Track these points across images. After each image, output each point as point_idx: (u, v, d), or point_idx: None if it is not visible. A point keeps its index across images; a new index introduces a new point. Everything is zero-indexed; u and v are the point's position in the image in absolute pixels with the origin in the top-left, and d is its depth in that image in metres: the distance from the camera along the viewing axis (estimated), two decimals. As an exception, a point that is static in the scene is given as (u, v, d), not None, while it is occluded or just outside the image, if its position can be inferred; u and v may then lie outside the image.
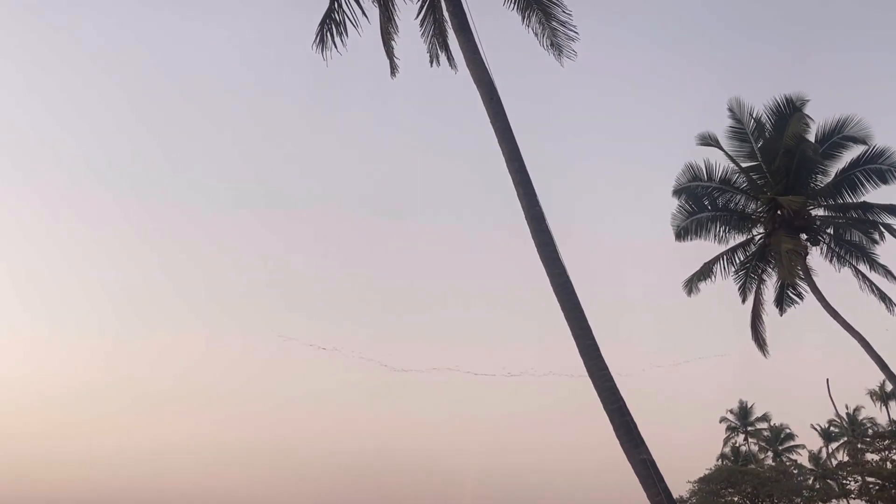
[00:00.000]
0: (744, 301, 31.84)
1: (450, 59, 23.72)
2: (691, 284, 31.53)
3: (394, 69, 23.90)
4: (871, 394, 64.03)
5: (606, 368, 16.15)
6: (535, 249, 17.83)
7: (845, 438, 67.33)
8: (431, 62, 23.97)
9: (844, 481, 49.95)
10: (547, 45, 21.57)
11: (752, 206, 30.80)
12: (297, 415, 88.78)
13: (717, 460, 68.23)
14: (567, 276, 17.25)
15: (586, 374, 16.33)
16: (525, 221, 18.23)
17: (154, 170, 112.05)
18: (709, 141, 30.19)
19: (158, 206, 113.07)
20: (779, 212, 29.45)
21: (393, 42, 23.59)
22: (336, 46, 22.66)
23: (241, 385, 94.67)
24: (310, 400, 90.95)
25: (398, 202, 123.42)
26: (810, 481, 56.67)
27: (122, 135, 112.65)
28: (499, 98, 19.40)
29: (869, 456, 50.42)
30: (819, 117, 29.53)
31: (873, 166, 29.18)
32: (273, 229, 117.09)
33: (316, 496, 74.71)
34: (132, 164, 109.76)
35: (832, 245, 30.53)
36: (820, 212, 30.45)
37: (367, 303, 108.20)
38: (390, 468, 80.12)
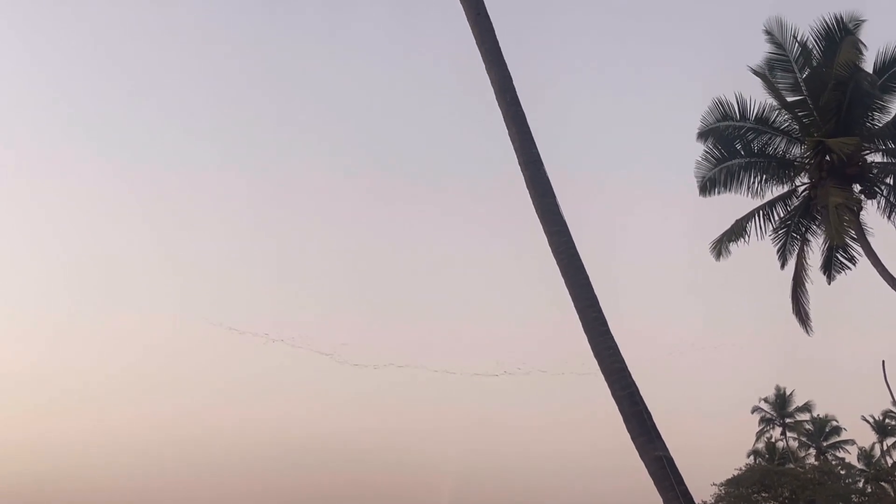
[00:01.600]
0: (783, 266, 31.96)
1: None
2: (720, 246, 31.55)
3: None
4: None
5: (615, 347, 16.22)
6: (531, 202, 17.82)
7: (903, 432, 68.40)
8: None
9: (901, 484, 50.65)
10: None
11: (795, 150, 30.77)
12: (241, 410, 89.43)
13: (749, 458, 68.95)
14: (569, 235, 17.27)
15: (582, 372, 16.42)
16: (518, 168, 18.19)
17: (117, 123, 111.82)
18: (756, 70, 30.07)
19: (122, 165, 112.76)
20: (827, 157, 29.39)
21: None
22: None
23: (175, 375, 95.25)
24: (256, 394, 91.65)
25: (356, 153, 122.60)
26: (860, 484, 57.43)
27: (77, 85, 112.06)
28: (486, 13, 19.29)
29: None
30: (877, 43, 29.45)
31: (944, 103, 29.22)
32: (229, 195, 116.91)
33: (258, 493, 76.29)
34: (90, 116, 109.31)
35: (891, 198, 30.62)
36: (877, 157, 30.44)
37: (320, 284, 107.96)
38: (341, 468, 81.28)
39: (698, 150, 31.38)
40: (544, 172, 17.93)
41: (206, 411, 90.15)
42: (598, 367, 16.26)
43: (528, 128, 18.33)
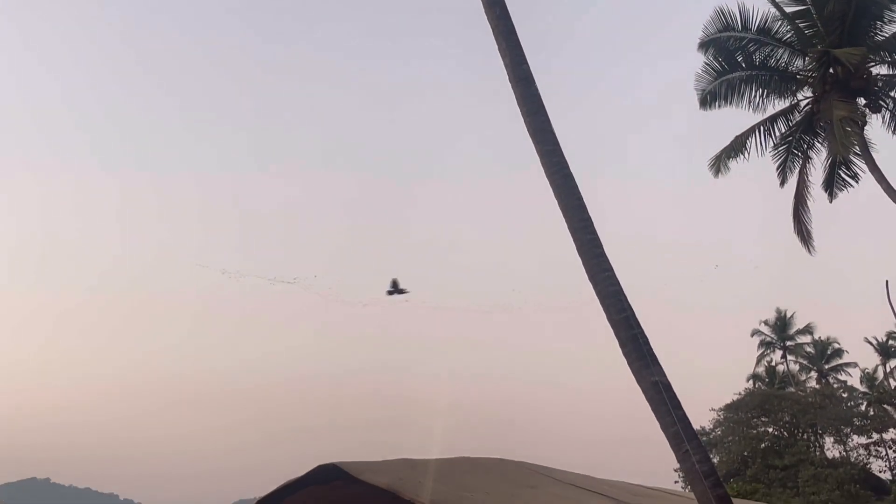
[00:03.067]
0: (783, 184, 32.21)
1: None
2: (719, 163, 31.75)
3: None
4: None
5: (611, 269, 16.47)
6: (522, 120, 17.93)
7: (907, 354, 69.13)
8: None
9: (905, 406, 51.32)
10: None
11: (798, 62, 30.84)
12: (235, 347, 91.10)
13: (748, 382, 69.70)
14: (562, 155, 17.39)
15: (576, 305, 16.69)
16: (509, 86, 18.26)
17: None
18: None
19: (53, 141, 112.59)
20: (831, 69, 29.52)
21: None
22: None
23: (166, 315, 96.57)
24: (251, 332, 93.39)
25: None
26: (863, 407, 58.24)
27: None
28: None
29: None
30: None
31: (953, 11, 29.21)
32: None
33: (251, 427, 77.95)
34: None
35: (897, 111, 30.78)
36: (883, 69, 30.58)
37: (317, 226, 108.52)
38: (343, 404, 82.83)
39: (699, 61, 31.47)
40: (536, 90, 17.94)
41: (203, 348, 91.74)
42: (589, 300, 16.50)
43: (519, 43, 18.29)
